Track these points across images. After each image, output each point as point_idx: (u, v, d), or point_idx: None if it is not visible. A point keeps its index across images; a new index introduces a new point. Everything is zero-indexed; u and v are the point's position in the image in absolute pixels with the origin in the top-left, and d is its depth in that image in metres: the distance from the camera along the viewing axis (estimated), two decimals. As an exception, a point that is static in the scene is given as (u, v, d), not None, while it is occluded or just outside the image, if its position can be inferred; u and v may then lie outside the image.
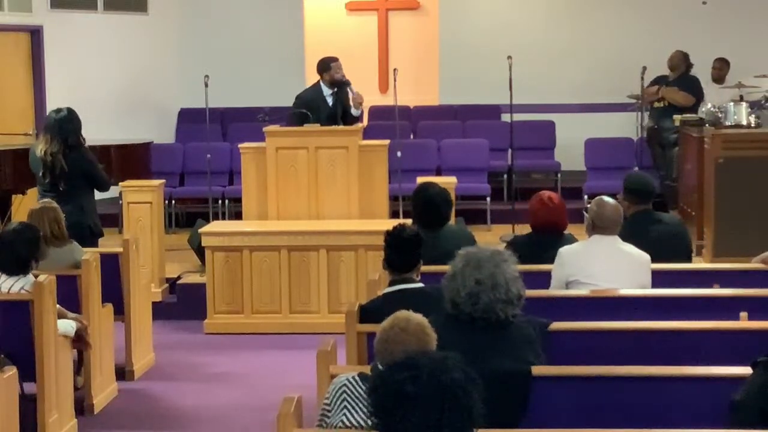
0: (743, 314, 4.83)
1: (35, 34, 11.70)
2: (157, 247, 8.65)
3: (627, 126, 12.33)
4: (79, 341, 6.08)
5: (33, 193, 10.02)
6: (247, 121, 11.68)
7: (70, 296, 6.08)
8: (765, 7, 12.73)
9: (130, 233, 7.95)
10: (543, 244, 5.87)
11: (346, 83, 9.10)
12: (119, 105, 12.18)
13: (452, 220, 6.54)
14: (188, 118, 12.79)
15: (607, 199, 5.55)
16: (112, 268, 6.74)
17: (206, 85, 9.87)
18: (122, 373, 6.83)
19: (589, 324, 4.61)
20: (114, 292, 6.73)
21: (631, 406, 3.82)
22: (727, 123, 9.45)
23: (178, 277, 8.75)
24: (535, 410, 3.78)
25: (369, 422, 3.39)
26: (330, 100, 9.09)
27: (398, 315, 3.60)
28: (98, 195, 7.74)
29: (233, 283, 8.01)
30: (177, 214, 11.43)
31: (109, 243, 7.64)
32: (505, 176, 11.78)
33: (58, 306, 5.72)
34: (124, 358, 6.91)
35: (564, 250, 5.49)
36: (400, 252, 4.84)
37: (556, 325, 4.40)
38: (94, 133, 7.57)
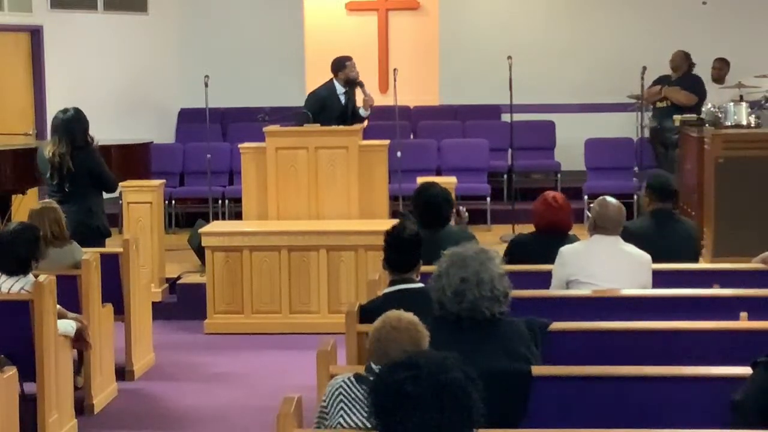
0: (743, 314, 4.83)
1: (35, 34, 11.70)
2: (157, 247, 8.66)
3: (627, 126, 12.33)
4: (79, 341, 6.09)
5: (33, 193, 10.05)
6: (247, 121, 11.68)
7: (70, 296, 6.08)
8: (765, 7, 12.73)
9: (130, 233, 7.96)
10: (546, 244, 5.87)
11: (360, 83, 9.28)
12: (119, 105, 12.18)
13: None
14: (188, 118, 12.80)
15: (610, 199, 5.57)
16: (112, 268, 6.74)
17: (206, 85, 9.87)
18: (122, 373, 6.83)
19: (589, 324, 4.61)
20: (114, 292, 6.73)
21: (631, 406, 3.82)
22: (727, 123, 9.45)
23: (178, 277, 8.76)
24: (535, 410, 3.78)
25: (367, 423, 3.40)
26: (343, 99, 9.27)
27: (389, 314, 3.62)
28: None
29: (233, 283, 8.01)
30: (177, 214, 11.43)
31: (109, 243, 7.64)
32: (505, 176, 11.79)
33: (58, 306, 5.72)
34: (124, 358, 6.91)
35: (565, 250, 5.50)
36: (400, 252, 4.84)
37: (556, 325, 4.40)
38: (94, 133, 7.55)
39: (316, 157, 8.54)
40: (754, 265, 5.78)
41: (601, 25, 12.91)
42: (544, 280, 5.50)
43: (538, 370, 3.85)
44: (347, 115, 9.26)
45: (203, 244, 8.11)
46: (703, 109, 10.03)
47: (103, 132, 7.52)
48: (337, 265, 7.97)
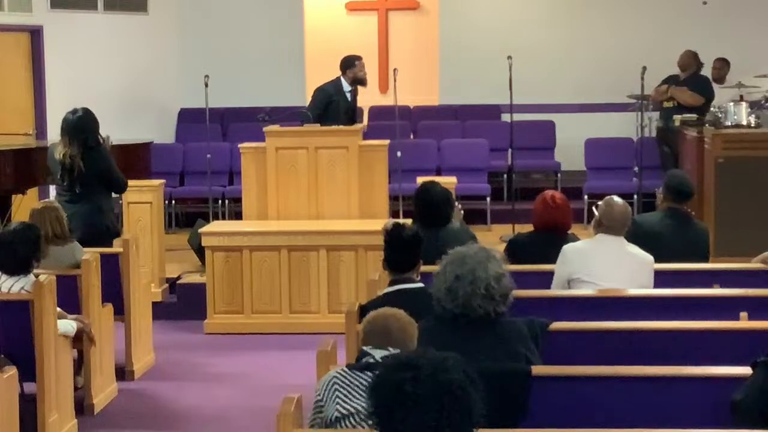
0: (743, 314, 4.84)
1: (35, 34, 11.70)
2: (157, 247, 8.66)
3: (627, 126, 12.33)
4: (79, 342, 6.09)
5: (33, 193, 10.05)
6: (247, 121, 11.68)
7: (70, 296, 6.08)
8: (765, 7, 12.73)
9: (130, 233, 7.95)
10: (545, 244, 5.88)
11: (364, 84, 9.40)
12: (119, 105, 12.18)
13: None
14: (188, 118, 12.79)
15: (616, 199, 5.58)
16: (112, 268, 6.74)
17: (206, 85, 9.87)
18: (122, 373, 6.83)
19: (589, 324, 4.61)
20: (114, 292, 6.73)
21: (630, 406, 3.81)
22: (727, 123, 9.45)
23: (178, 277, 8.75)
24: (535, 410, 3.78)
25: (364, 407, 3.41)
26: (349, 96, 9.35)
27: (385, 312, 3.78)
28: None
29: (233, 283, 8.01)
30: (177, 214, 11.44)
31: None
32: (505, 176, 11.79)
33: (57, 309, 5.72)
34: (124, 358, 6.91)
35: (568, 248, 5.51)
36: (400, 252, 4.84)
37: (556, 325, 4.40)
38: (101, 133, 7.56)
39: (316, 157, 8.54)
40: (754, 265, 5.78)
41: (601, 25, 12.91)
42: (544, 279, 5.50)
43: (538, 370, 3.85)
44: (354, 112, 9.38)
45: (203, 244, 8.11)
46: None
47: (103, 132, 7.52)
48: (337, 265, 7.97)
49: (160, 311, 7.99)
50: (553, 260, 5.60)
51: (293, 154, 8.56)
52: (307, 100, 9.66)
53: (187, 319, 8.18)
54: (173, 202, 11.27)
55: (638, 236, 5.69)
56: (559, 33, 12.93)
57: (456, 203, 6.55)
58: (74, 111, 7.33)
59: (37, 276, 5.64)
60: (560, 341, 4.34)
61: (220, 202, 11.10)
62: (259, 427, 5.88)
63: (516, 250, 6.06)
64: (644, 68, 10.04)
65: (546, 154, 12.22)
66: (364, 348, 3.66)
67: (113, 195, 7.68)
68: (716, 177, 8.88)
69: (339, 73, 9.40)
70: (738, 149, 8.97)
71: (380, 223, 7.09)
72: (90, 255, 6.32)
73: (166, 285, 8.68)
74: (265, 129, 8.68)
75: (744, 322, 4.76)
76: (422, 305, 4.13)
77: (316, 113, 9.03)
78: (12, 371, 5.01)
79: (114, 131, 7.57)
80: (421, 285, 4.78)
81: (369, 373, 3.55)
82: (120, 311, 6.79)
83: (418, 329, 3.94)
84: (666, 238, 5.67)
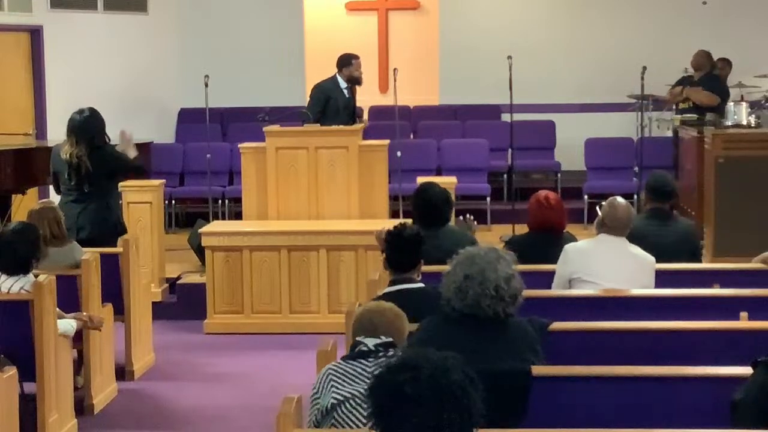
0: (743, 314, 4.83)
1: (35, 34, 11.70)
2: (157, 247, 8.65)
3: (627, 126, 12.34)
4: (80, 341, 6.09)
5: (33, 193, 10.05)
6: (247, 121, 11.68)
7: (70, 296, 6.08)
8: (765, 7, 12.73)
9: (130, 233, 7.95)
10: (541, 243, 5.89)
11: (359, 84, 9.42)
12: (119, 105, 12.16)
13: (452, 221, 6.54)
14: (188, 118, 12.79)
15: (620, 200, 5.58)
16: (112, 268, 6.73)
17: (206, 85, 9.87)
18: (122, 373, 6.83)
19: (589, 324, 4.61)
20: (114, 292, 6.73)
21: (631, 406, 3.81)
22: (727, 123, 9.45)
23: (178, 277, 8.75)
24: (535, 410, 3.78)
25: (360, 391, 3.42)
26: (346, 93, 9.40)
27: (377, 305, 3.87)
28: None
29: (233, 283, 8.01)
30: (177, 214, 11.44)
31: (109, 243, 7.65)
32: (505, 176, 11.79)
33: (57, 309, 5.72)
34: (124, 358, 6.91)
35: (569, 248, 5.51)
36: (401, 251, 4.85)
37: (556, 325, 4.40)
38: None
39: (316, 157, 8.54)
40: (754, 265, 5.78)
41: (601, 24, 12.91)
42: (543, 279, 5.50)
43: (538, 370, 3.85)
44: (350, 109, 9.40)
45: (203, 244, 8.11)
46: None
47: (108, 132, 7.53)
48: (337, 265, 7.97)
49: (160, 311, 7.99)
50: (549, 260, 5.62)
51: (293, 154, 8.56)
52: (307, 100, 9.66)
53: (187, 319, 8.18)
54: (173, 202, 11.27)
55: None
56: (559, 33, 12.94)
57: (470, 217, 6.56)
58: (81, 111, 7.34)
59: (36, 276, 5.64)
60: (560, 341, 4.34)
61: (220, 202, 11.10)
62: (259, 427, 5.89)
63: (512, 251, 6.04)
64: (644, 68, 10.03)
65: (546, 154, 12.22)
66: (357, 338, 3.70)
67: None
68: (716, 177, 8.88)
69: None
70: (738, 149, 8.97)
71: (380, 223, 7.10)
72: (90, 255, 6.32)
73: (166, 285, 8.68)
74: (265, 129, 8.68)
75: (744, 322, 4.76)
76: (422, 305, 4.14)
77: (316, 111, 9.08)
78: (12, 371, 5.01)
79: (114, 131, 7.57)
80: (421, 285, 4.78)
81: (363, 361, 3.59)
82: (120, 311, 6.79)
83: (422, 327, 3.95)
84: (651, 239, 5.66)
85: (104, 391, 6.41)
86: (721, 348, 4.39)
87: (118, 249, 6.95)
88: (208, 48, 12.98)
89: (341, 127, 8.90)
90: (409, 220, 5.91)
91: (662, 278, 5.46)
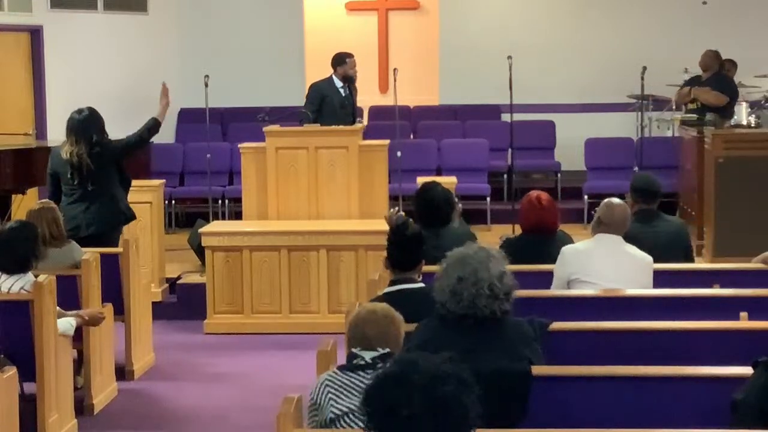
0: (743, 314, 4.83)
1: (35, 34, 11.70)
2: (157, 247, 8.65)
3: (627, 126, 12.34)
4: (80, 341, 6.09)
5: (33, 193, 10.05)
6: (247, 121, 11.68)
7: (70, 296, 6.08)
8: (765, 7, 12.73)
9: (130, 233, 7.95)
10: (535, 244, 5.90)
11: (353, 82, 9.46)
12: (119, 105, 12.16)
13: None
14: (188, 118, 12.79)
15: (616, 200, 5.59)
16: (112, 268, 6.74)
17: (206, 85, 9.87)
18: (122, 373, 6.83)
19: (589, 324, 4.61)
20: (114, 292, 6.73)
21: (631, 406, 3.81)
22: (727, 123, 9.45)
23: (178, 277, 8.75)
24: (535, 410, 3.78)
25: (357, 405, 3.42)
26: (342, 92, 9.43)
27: (363, 305, 3.84)
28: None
29: (233, 283, 8.01)
30: (177, 214, 11.44)
31: (109, 243, 7.65)
32: (505, 176, 11.79)
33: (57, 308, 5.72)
34: (124, 358, 6.91)
35: (566, 249, 5.51)
36: (403, 250, 4.85)
37: (556, 325, 4.39)
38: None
39: (316, 157, 8.54)
40: (754, 265, 5.77)
41: (601, 24, 12.91)
42: (540, 279, 5.49)
43: (538, 370, 3.85)
44: (349, 107, 9.42)
45: (203, 244, 8.11)
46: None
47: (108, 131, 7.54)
48: (337, 265, 7.97)
49: (160, 311, 7.99)
50: (544, 260, 5.64)
51: (293, 154, 8.56)
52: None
53: (187, 319, 8.18)
54: (173, 202, 11.27)
55: None
56: (560, 33, 12.94)
57: (456, 202, 6.56)
58: (80, 111, 7.35)
59: (36, 276, 5.64)
60: (560, 341, 4.34)
61: (220, 202, 11.10)
62: (259, 427, 5.88)
63: (507, 252, 6.02)
64: (644, 68, 10.04)
65: (546, 154, 12.22)
66: (353, 350, 3.66)
67: None
68: (716, 177, 8.88)
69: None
70: (738, 149, 8.97)
71: (380, 223, 7.10)
72: (90, 255, 6.32)
73: (166, 285, 8.68)
74: (265, 129, 8.68)
75: (744, 322, 4.76)
76: (423, 305, 4.13)
77: (312, 111, 9.09)
78: (12, 371, 5.01)
79: (114, 131, 7.58)
80: (421, 285, 4.78)
81: (361, 373, 3.58)
82: (120, 311, 6.79)
83: (419, 330, 3.94)
84: (642, 241, 5.64)
85: (104, 391, 6.41)
86: (721, 348, 4.38)
87: (118, 249, 6.95)
88: (208, 48, 12.98)
89: (341, 127, 8.91)
90: (410, 220, 5.92)
91: (662, 278, 5.46)
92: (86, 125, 7.24)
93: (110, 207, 7.30)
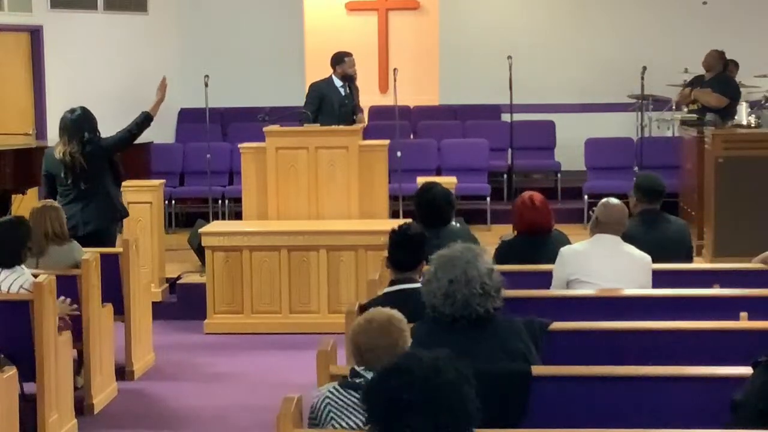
0: (743, 314, 4.83)
1: (35, 34, 11.70)
2: (157, 247, 8.65)
3: (627, 126, 12.34)
4: (79, 341, 6.09)
5: (33, 193, 10.05)
6: (247, 121, 11.68)
7: (70, 296, 6.07)
8: (765, 7, 12.74)
9: (130, 233, 7.95)
10: (529, 245, 5.90)
11: (353, 81, 9.42)
12: (119, 105, 12.15)
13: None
14: (188, 118, 12.80)
15: (613, 200, 5.58)
16: (112, 268, 6.74)
17: (206, 85, 9.87)
18: (122, 373, 6.83)
19: (589, 324, 4.61)
20: (114, 292, 6.73)
21: (630, 406, 3.81)
22: (728, 123, 9.45)
23: (178, 277, 8.75)
24: (535, 410, 3.78)
25: (358, 424, 3.41)
26: (342, 91, 9.40)
27: (360, 320, 3.68)
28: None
29: (233, 283, 8.01)
30: (177, 214, 11.43)
31: (110, 243, 7.66)
32: (505, 176, 11.80)
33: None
34: (124, 358, 6.91)
35: (565, 250, 5.51)
36: (405, 250, 4.85)
37: (556, 325, 4.40)
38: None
39: (316, 157, 8.54)
40: (754, 265, 5.77)
41: (601, 24, 12.91)
42: (539, 280, 5.50)
43: (538, 370, 3.85)
44: (348, 106, 9.40)
45: (203, 244, 8.11)
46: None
47: (103, 132, 7.54)
48: (337, 265, 7.97)
49: (160, 311, 7.99)
50: (540, 261, 5.65)
51: (293, 154, 8.56)
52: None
53: (187, 319, 8.18)
54: (173, 202, 11.26)
55: None
56: (559, 33, 12.94)
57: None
58: (72, 110, 7.37)
59: (36, 276, 5.64)
60: (560, 341, 4.34)
61: (220, 202, 11.10)
62: (259, 427, 5.89)
63: (504, 254, 6.04)
64: (644, 68, 10.04)
65: (546, 154, 12.22)
66: (356, 368, 3.61)
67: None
68: (716, 177, 8.88)
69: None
70: (738, 149, 8.97)
71: (380, 223, 7.12)
72: (90, 255, 6.32)
73: (166, 285, 8.68)
74: (265, 129, 8.69)
75: (744, 322, 4.76)
76: (422, 305, 4.13)
77: (311, 110, 9.09)
78: (12, 371, 5.01)
79: (114, 131, 7.58)
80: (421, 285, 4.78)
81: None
82: (120, 311, 6.79)
83: (414, 335, 3.92)
84: (644, 242, 5.64)
85: (104, 391, 6.41)
86: (721, 348, 4.38)
87: (118, 249, 6.96)
88: (208, 48, 12.98)
89: (341, 127, 8.90)
90: (410, 220, 5.92)
91: (662, 278, 5.46)
92: (79, 124, 7.26)
93: (106, 204, 7.34)
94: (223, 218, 10.98)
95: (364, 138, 9.03)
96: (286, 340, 7.72)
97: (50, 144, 9.16)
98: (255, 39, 13.10)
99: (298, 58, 13.13)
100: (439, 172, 11.15)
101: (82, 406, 6.14)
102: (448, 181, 8.26)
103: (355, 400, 3.52)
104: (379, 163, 8.63)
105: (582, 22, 12.94)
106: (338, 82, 9.46)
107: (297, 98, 11.77)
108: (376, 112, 12.74)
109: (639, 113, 11.30)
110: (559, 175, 11.88)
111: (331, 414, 3.52)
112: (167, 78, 7.93)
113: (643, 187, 6.29)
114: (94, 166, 7.27)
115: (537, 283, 5.42)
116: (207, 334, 7.98)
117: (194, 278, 8.64)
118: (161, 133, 12.52)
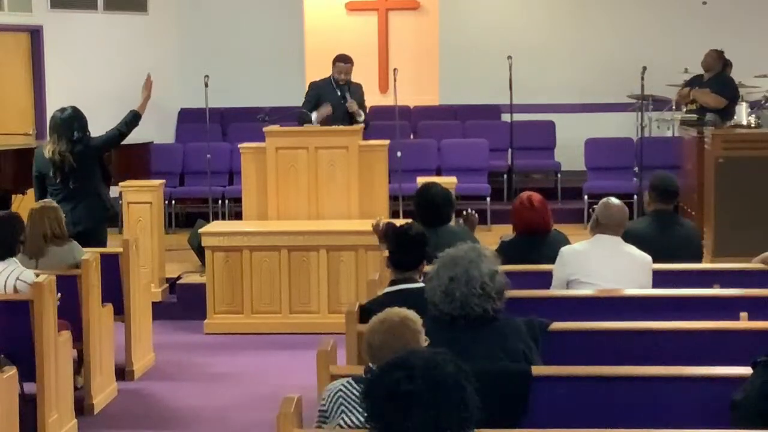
0: (743, 314, 4.83)
1: (35, 34, 11.70)
2: (157, 247, 8.65)
3: (627, 126, 12.34)
4: (79, 341, 6.09)
5: (33, 193, 10.04)
6: (247, 121, 11.68)
7: (70, 296, 6.08)
8: (765, 7, 12.73)
9: (130, 233, 7.96)
10: (529, 245, 5.90)
11: (343, 86, 9.20)
12: (119, 105, 12.11)
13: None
14: (188, 118, 12.80)
15: (613, 200, 5.58)
16: (112, 268, 6.74)
17: (206, 85, 9.87)
18: (122, 373, 6.83)
19: (589, 324, 4.61)
20: (114, 292, 6.73)
21: (630, 406, 3.82)
22: (727, 123, 9.45)
23: (178, 277, 8.75)
24: (535, 410, 3.78)
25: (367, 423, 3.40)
26: (338, 91, 9.29)
27: (375, 320, 3.63)
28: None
29: (233, 283, 8.01)
30: (177, 214, 11.44)
31: (109, 243, 7.64)
32: (505, 176, 11.79)
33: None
34: (124, 358, 6.91)
35: (565, 250, 5.52)
36: (406, 250, 4.85)
37: (556, 325, 4.40)
38: (94, 133, 7.57)
39: (316, 157, 8.54)
40: (754, 265, 5.78)
41: (601, 25, 12.91)
42: (539, 280, 5.50)
43: (538, 370, 3.85)
44: (344, 106, 9.32)
45: (203, 244, 8.11)
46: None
47: (103, 132, 7.55)
48: (337, 265, 7.97)
49: (160, 311, 7.99)
50: (539, 261, 5.66)
51: (293, 154, 8.56)
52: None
53: (187, 319, 8.18)
54: (173, 202, 11.27)
55: (628, 243, 5.66)
56: (559, 33, 12.94)
57: (472, 211, 6.56)
58: (62, 110, 7.41)
59: (37, 276, 5.64)
60: (560, 341, 4.34)
61: (220, 202, 11.10)
62: (259, 427, 5.89)
63: (503, 255, 6.03)
64: (644, 68, 10.03)
65: (546, 154, 12.22)
66: (370, 365, 3.58)
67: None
68: (716, 177, 8.89)
69: None
70: (738, 149, 8.97)
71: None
72: (90, 255, 6.32)
73: (166, 285, 8.68)
74: (265, 129, 8.68)
75: (744, 322, 4.76)
76: (423, 305, 4.13)
77: (308, 108, 9.06)
78: (12, 371, 5.01)
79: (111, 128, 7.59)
80: (421, 285, 4.78)
81: None
82: (120, 311, 6.80)
83: None
84: (655, 242, 5.65)
85: (104, 391, 6.41)
86: (721, 348, 4.39)
87: (118, 249, 6.96)
88: (208, 48, 12.98)
89: (341, 127, 8.89)
90: (410, 220, 5.92)
91: (662, 278, 5.46)
92: (68, 123, 7.28)
93: (96, 203, 7.36)
94: (223, 218, 10.98)
95: (364, 138, 9.03)
96: (286, 340, 7.72)
97: (36, 147, 9.15)
98: (255, 39, 13.10)
99: (298, 58, 13.13)
100: (439, 172, 11.15)
101: (82, 406, 6.14)
102: (448, 181, 8.27)
103: None
104: (379, 163, 8.63)
105: (582, 22, 12.94)
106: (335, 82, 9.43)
107: (297, 98, 11.75)
108: (376, 112, 12.70)
109: (639, 113, 11.29)
110: (559, 175, 11.88)
111: (342, 407, 3.52)
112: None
113: (658, 187, 6.29)
114: (84, 166, 7.28)
115: (537, 283, 5.42)
116: (207, 334, 7.98)
117: (194, 278, 8.64)
118: (161, 133, 12.54)
